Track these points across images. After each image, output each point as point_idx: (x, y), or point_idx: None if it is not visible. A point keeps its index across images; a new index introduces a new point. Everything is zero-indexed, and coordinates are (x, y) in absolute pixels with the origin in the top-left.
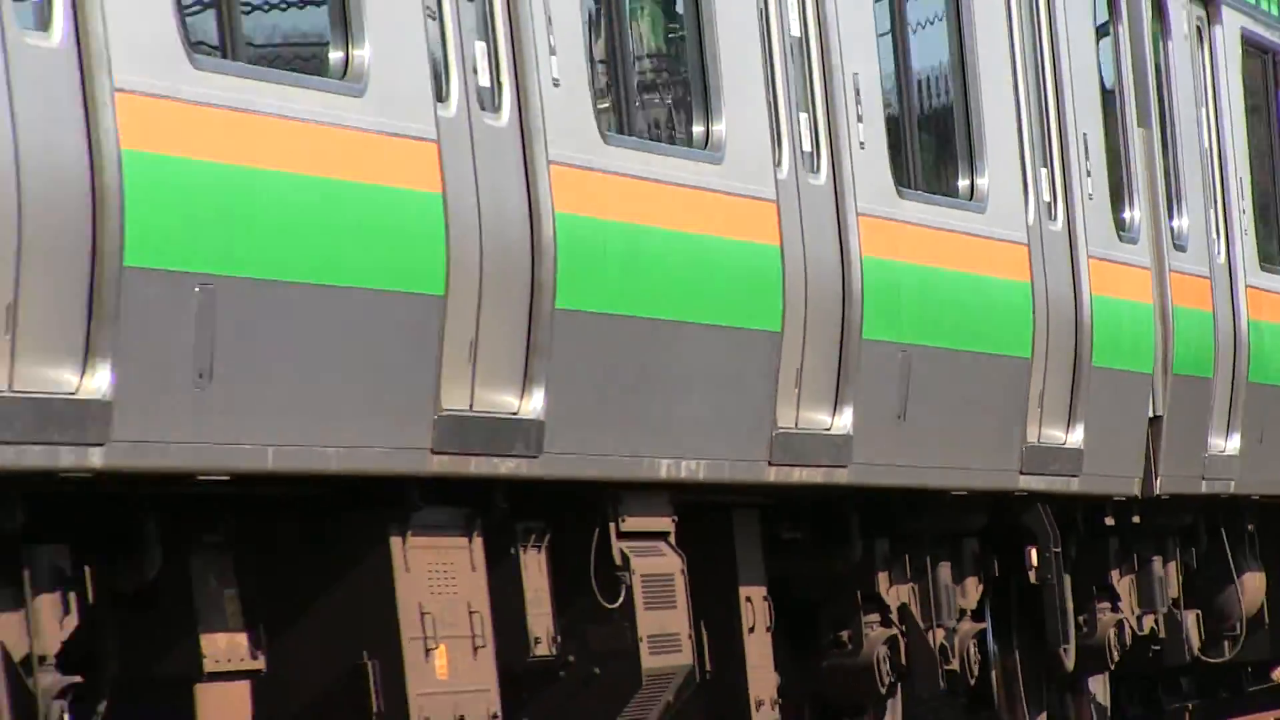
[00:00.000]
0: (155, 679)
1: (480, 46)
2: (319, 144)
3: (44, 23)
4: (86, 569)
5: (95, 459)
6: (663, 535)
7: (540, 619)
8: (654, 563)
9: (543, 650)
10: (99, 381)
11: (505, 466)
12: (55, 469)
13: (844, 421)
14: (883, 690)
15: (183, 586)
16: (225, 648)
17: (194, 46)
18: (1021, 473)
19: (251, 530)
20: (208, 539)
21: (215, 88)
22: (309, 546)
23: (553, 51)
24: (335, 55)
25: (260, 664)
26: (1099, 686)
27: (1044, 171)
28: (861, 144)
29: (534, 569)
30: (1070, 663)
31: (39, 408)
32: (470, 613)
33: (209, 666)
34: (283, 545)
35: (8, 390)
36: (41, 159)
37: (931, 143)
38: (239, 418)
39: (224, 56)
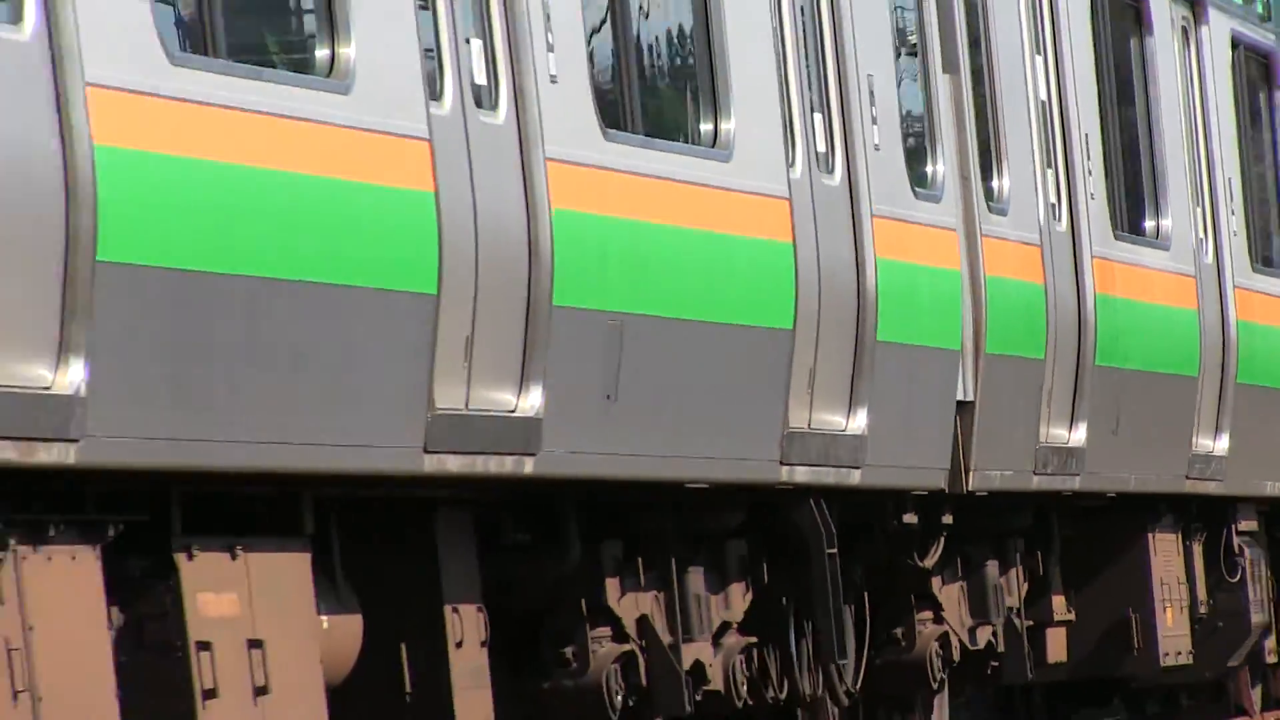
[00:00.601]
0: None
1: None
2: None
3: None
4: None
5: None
6: (1252, 533)
7: (1197, 588)
8: (1252, 552)
9: (1202, 610)
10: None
11: (1205, 488)
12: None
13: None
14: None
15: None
16: (1056, 604)
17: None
18: None
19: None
20: (1064, 532)
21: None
22: (1091, 537)
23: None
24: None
25: (1072, 615)
26: None
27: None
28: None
29: (1196, 554)
30: None
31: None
32: (1178, 583)
33: (1056, 617)
34: (1079, 538)
35: None
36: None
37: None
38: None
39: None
